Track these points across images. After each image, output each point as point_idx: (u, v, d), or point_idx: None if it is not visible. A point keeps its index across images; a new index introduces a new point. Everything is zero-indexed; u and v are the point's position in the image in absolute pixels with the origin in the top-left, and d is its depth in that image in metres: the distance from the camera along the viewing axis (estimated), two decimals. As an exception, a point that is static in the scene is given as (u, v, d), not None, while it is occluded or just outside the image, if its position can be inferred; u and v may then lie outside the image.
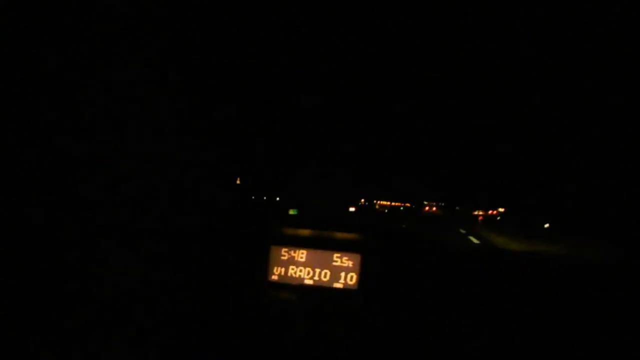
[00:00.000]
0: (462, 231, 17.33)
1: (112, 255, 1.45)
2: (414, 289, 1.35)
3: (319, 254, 1.45)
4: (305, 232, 1.53)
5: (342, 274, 1.42)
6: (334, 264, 1.44)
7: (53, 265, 1.34)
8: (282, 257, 1.48)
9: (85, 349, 1.21)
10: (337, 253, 1.44)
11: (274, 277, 1.47)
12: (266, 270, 1.47)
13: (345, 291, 1.40)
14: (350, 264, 1.42)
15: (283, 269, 1.47)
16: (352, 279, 1.41)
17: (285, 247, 1.48)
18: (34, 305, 1.27)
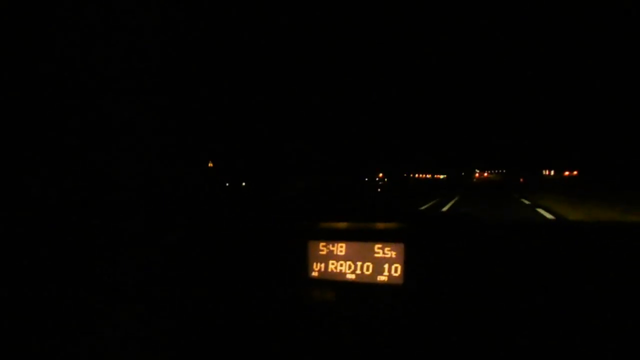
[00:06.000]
0: (516, 195, 16.67)
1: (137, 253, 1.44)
2: (469, 280, 1.21)
3: (359, 246, 1.36)
4: (343, 224, 1.43)
5: (386, 266, 1.32)
6: (376, 255, 1.34)
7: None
8: (321, 252, 1.40)
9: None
10: (379, 244, 1.33)
11: (314, 274, 1.40)
12: (306, 267, 1.40)
13: (391, 286, 1.30)
14: (393, 254, 1.32)
15: (322, 265, 1.39)
16: (396, 270, 1.31)
17: (323, 241, 1.40)
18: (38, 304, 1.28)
